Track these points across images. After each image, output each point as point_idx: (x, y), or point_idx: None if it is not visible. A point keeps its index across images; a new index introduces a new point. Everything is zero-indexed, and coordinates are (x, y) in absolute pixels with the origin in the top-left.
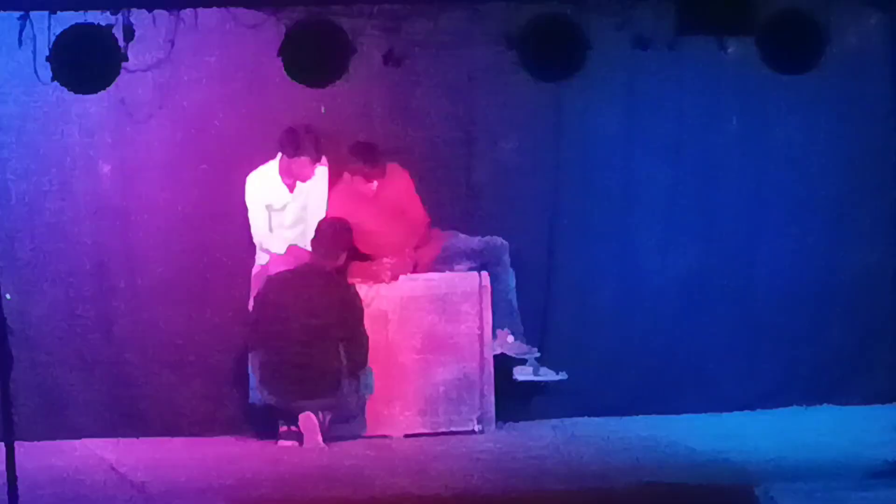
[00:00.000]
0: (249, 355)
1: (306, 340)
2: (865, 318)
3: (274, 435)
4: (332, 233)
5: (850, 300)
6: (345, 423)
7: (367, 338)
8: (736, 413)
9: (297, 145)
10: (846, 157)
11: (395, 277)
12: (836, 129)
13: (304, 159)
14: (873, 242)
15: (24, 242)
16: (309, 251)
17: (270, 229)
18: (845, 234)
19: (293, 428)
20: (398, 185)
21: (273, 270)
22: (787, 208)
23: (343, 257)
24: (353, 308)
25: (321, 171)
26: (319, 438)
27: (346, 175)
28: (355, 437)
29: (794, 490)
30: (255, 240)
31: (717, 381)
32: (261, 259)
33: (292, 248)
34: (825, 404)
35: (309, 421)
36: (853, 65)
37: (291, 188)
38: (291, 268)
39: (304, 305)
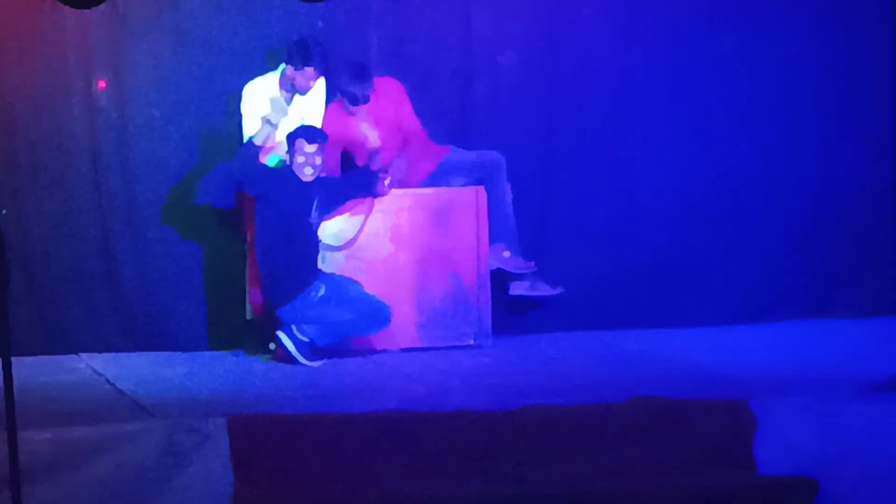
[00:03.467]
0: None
1: (280, 244)
2: (862, 231)
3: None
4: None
5: (847, 214)
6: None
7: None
8: (731, 327)
9: (307, 56)
10: (842, 70)
11: (389, 189)
12: (832, 42)
13: (310, 70)
14: (870, 155)
15: (22, 157)
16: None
17: (264, 142)
18: (842, 148)
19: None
20: (391, 98)
21: None
22: (780, 122)
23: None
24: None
25: (319, 86)
26: (298, 355)
27: (339, 95)
28: (351, 352)
29: (789, 404)
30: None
31: (712, 295)
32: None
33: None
34: (821, 318)
35: (283, 338)
36: None
37: (289, 101)
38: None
39: (281, 211)
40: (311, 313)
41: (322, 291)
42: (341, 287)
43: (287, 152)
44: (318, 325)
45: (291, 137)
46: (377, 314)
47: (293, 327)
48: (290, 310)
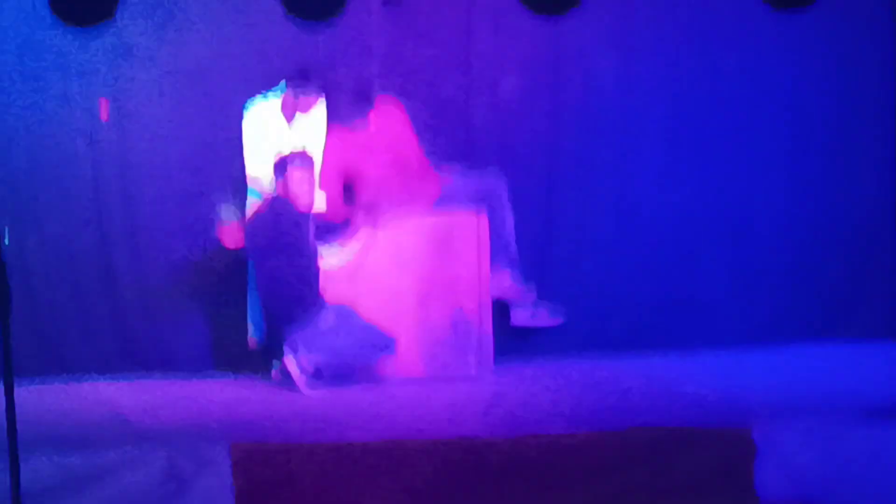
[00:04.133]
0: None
1: (280, 276)
2: (864, 253)
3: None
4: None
5: (849, 236)
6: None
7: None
8: (733, 350)
9: (307, 80)
10: (844, 93)
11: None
12: (834, 65)
13: (312, 98)
14: (871, 178)
15: (23, 180)
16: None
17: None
18: (844, 170)
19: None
20: (392, 123)
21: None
22: (785, 144)
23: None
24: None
25: (320, 110)
26: (301, 383)
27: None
28: (354, 381)
29: (790, 428)
30: (248, 170)
31: (714, 317)
32: (252, 201)
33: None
34: (824, 340)
35: (289, 365)
36: (852, 1)
37: (290, 121)
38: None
39: (266, 241)
40: (320, 342)
41: (331, 320)
42: (348, 316)
43: (276, 180)
44: (325, 354)
45: (280, 166)
46: (382, 344)
47: (300, 355)
48: (298, 338)
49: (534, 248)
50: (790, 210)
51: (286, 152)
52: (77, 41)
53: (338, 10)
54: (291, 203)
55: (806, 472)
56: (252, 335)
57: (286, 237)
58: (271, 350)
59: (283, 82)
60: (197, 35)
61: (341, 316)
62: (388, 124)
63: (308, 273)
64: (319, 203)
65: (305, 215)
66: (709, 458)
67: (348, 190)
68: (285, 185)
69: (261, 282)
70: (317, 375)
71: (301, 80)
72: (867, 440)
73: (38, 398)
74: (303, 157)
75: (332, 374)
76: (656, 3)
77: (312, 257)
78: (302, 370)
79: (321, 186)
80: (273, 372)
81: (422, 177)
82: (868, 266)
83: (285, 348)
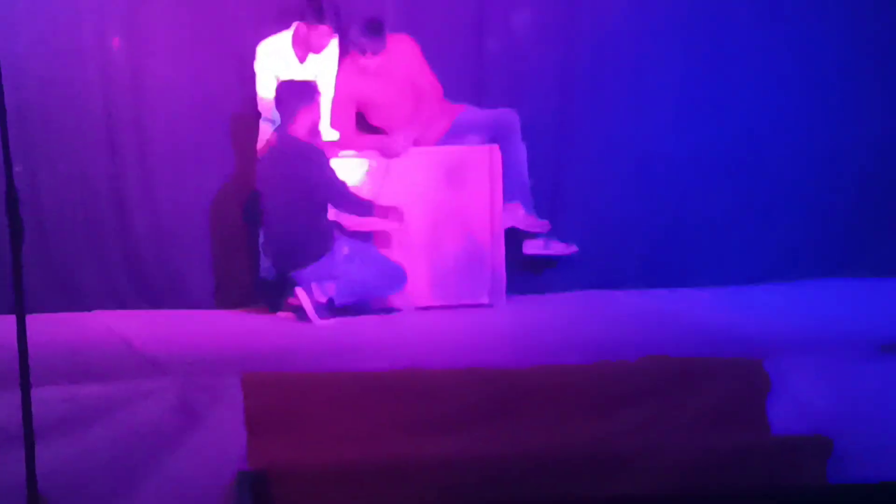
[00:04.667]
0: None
1: (289, 211)
2: (876, 190)
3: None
4: (294, 92)
5: (861, 173)
6: (379, 296)
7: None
8: (746, 286)
9: (321, 13)
10: (858, 31)
11: (405, 150)
12: (846, 6)
13: (325, 28)
14: (883, 115)
15: (35, 114)
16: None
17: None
18: (858, 106)
19: (293, 301)
20: (405, 55)
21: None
22: (798, 81)
23: (297, 119)
24: (319, 175)
25: (333, 44)
26: (311, 311)
27: (351, 50)
28: (365, 310)
29: (803, 363)
30: (260, 108)
31: (727, 253)
32: (264, 129)
33: (303, 114)
34: (837, 277)
35: (299, 296)
36: None
37: (302, 59)
38: (273, 145)
39: (281, 181)
40: (336, 272)
41: (346, 251)
42: (363, 248)
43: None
44: (340, 284)
45: (281, 98)
46: (396, 276)
47: (313, 285)
48: (314, 268)
49: (546, 182)
50: (804, 146)
51: (285, 84)
52: None
53: None
54: (298, 136)
55: (818, 406)
56: (262, 271)
57: (295, 171)
58: (281, 286)
59: (295, 22)
60: None
61: (355, 248)
62: (401, 57)
63: (319, 207)
64: (331, 133)
65: (314, 148)
66: (721, 389)
67: (361, 119)
68: (290, 118)
69: (271, 217)
70: (329, 306)
71: (314, 16)
72: (880, 375)
73: (50, 329)
74: (303, 89)
75: (344, 304)
76: None
77: (324, 191)
78: (314, 301)
79: (334, 117)
80: (284, 306)
81: (436, 108)
82: (882, 202)
83: (296, 280)
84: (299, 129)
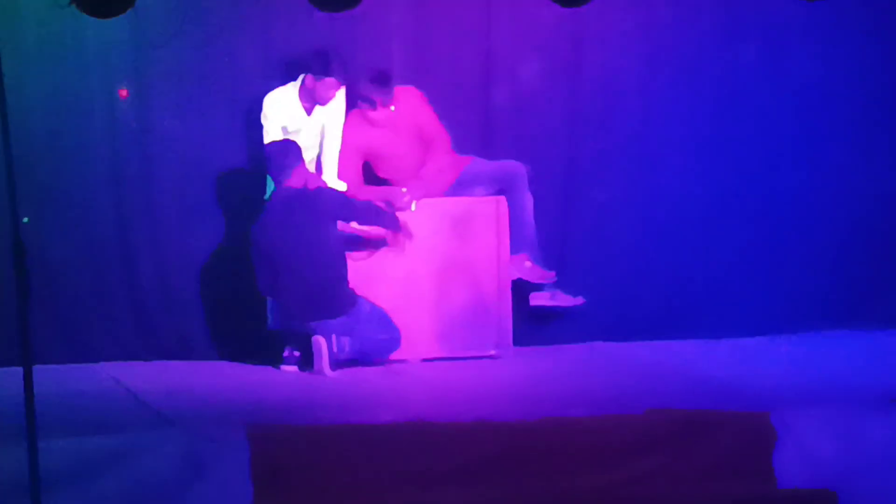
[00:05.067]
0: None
1: (304, 263)
2: (885, 242)
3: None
4: (279, 150)
5: (870, 225)
6: (379, 356)
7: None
8: (753, 338)
9: (327, 66)
10: (866, 82)
11: (410, 204)
12: (856, 54)
13: (331, 80)
14: (890, 166)
15: (43, 167)
16: (317, 175)
17: None
18: (865, 158)
19: (295, 353)
20: (413, 106)
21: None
22: (806, 134)
23: (293, 174)
24: (332, 206)
25: (339, 95)
26: (326, 363)
27: (360, 102)
28: (369, 363)
29: (810, 416)
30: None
31: (734, 306)
32: (272, 183)
33: (298, 170)
34: (844, 329)
35: (317, 344)
36: None
37: (309, 111)
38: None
39: (289, 231)
40: (356, 328)
41: (367, 308)
42: (376, 308)
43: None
44: (353, 340)
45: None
46: (396, 336)
47: (333, 338)
48: (340, 321)
49: (553, 234)
50: (812, 198)
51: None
52: (96, 30)
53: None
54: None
55: (825, 460)
56: (272, 322)
57: (306, 217)
58: (288, 338)
59: (302, 74)
60: (217, 23)
61: (372, 306)
62: (408, 108)
63: (339, 256)
64: (338, 185)
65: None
66: (727, 442)
67: (369, 171)
68: (286, 175)
69: (287, 266)
70: (338, 359)
71: (320, 68)
72: (888, 429)
73: (56, 381)
74: (288, 146)
75: (348, 359)
76: None
77: (335, 244)
78: (331, 354)
79: (341, 168)
80: (286, 357)
81: (444, 158)
82: (889, 255)
83: (316, 330)
84: (296, 183)
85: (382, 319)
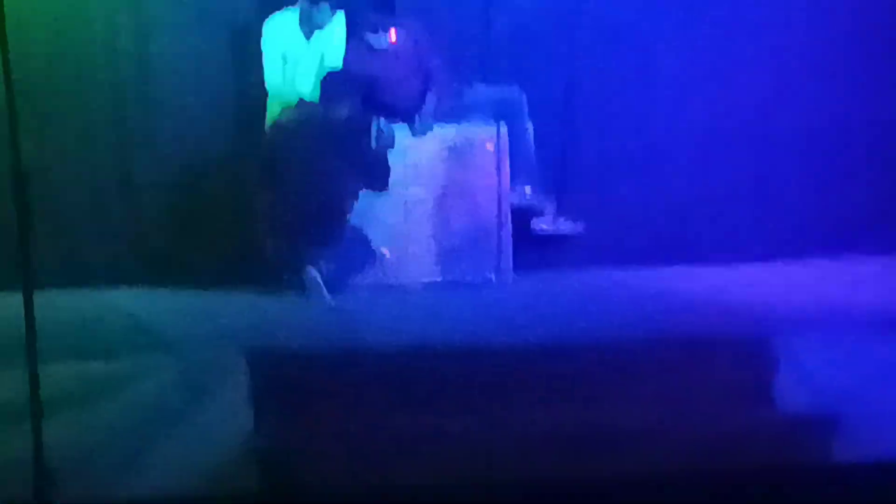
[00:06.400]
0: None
1: (313, 186)
2: (888, 169)
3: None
4: (339, 80)
5: (873, 151)
6: (356, 272)
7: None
8: (756, 264)
9: None
10: (866, 12)
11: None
12: None
13: (325, 5)
14: (893, 91)
15: (44, 89)
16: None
17: (283, 80)
18: (867, 86)
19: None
20: (412, 37)
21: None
22: (808, 58)
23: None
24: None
25: (339, 22)
26: (324, 289)
27: (361, 26)
28: (372, 286)
29: (815, 340)
30: (268, 87)
31: (735, 231)
32: (272, 109)
33: (302, 101)
34: (847, 255)
35: (311, 274)
36: None
37: (308, 36)
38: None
39: (310, 150)
40: (341, 254)
41: (351, 234)
42: (359, 231)
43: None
44: (338, 264)
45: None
46: (371, 249)
47: (321, 264)
48: (330, 249)
49: (553, 160)
50: (813, 125)
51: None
52: None
53: None
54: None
55: (827, 383)
56: (271, 248)
57: (320, 147)
58: (290, 262)
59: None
60: None
61: (356, 231)
62: (409, 38)
63: (347, 186)
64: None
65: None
66: (728, 367)
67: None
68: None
69: (287, 191)
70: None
71: None
72: (889, 353)
73: (57, 306)
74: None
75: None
76: None
77: (345, 171)
78: (324, 279)
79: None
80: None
81: (445, 88)
82: (891, 180)
83: (310, 258)
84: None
85: (358, 235)
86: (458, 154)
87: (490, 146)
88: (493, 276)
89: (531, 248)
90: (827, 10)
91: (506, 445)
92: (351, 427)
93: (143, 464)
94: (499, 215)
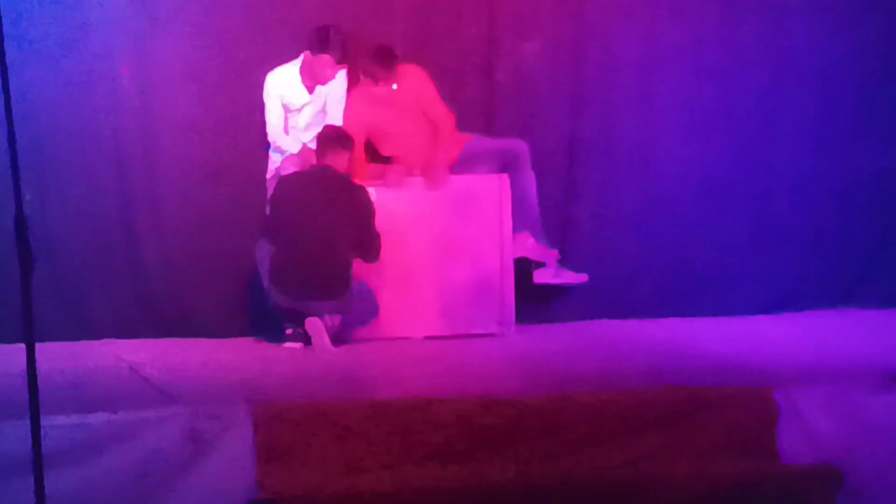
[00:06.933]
0: (263, 255)
1: (316, 241)
2: (885, 221)
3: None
4: (335, 136)
5: (870, 203)
6: (360, 325)
7: (379, 237)
8: (756, 316)
9: (325, 43)
10: (867, 60)
11: (398, 184)
12: (857, 34)
13: (327, 58)
14: (894, 145)
15: (46, 143)
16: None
17: (286, 130)
18: (865, 138)
19: (299, 330)
20: (415, 84)
21: (285, 170)
22: (807, 112)
23: (345, 161)
24: (363, 209)
25: (341, 75)
26: (327, 341)
27: (362, 78)
28: (374, 339)
29: (812, 393)
30: (270, 138)
31: (736, 284)
32: (274, 159)
33: (305, 149)
34: (844, 308)
35: (314, 326)
36: None
37: (311, 90)
38: (304, 170)
39: (315, 206)
40: (347, 307)
41: (356, 287)
42: (358, 281)
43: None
44: (344, 316)
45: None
46: (377, 305)
47: (325, 317)
48: (335, 303)
49: (556, 212)
50: (812, 177)
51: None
52: (99, 7)
53: None
54: (331, 171)
55: (827, 436)
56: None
57: (335, 200)
58: (288, 315)
59: (303, 53)
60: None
61: (361, 285)
62: (411, 86)
63: (348, 240)
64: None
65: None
66: (731, 420)
67: (371, 149)
68: (324, 159)
69: (288, 242)
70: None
71: (318, 45)
72: (889, 406)
73: (59, 358)
74: (341, 137)
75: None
76: None
77: (364, 226)
78: (328, 331)
79: None
80: (287, 333)
81: (450, 134)
82: (890, 234)
83: (311, 310)
84: (340, 168)
85: (363, 290)
86: (460, 205)
87: (493, 197)
88: (495, 329)
89: (534, 302)
90: (825, 68)
91: (510, 497)
92: (354, 480)
93: None
94: (501, 267)
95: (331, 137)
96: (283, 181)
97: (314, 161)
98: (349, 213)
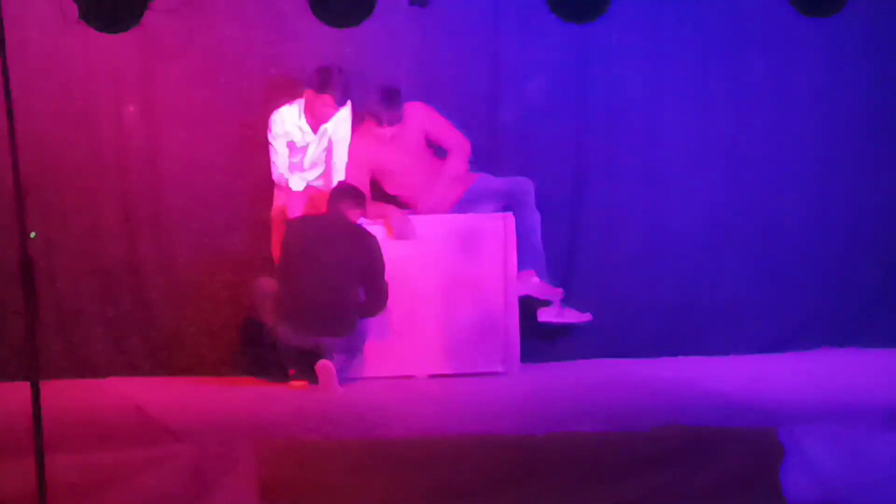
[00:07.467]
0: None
1: (328, 282)
2: (892, 259)
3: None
4: (352, 193)
5: (876, 243)
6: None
7: (387, 286)
8: (760, 355)
9: (327, 83)
10: (871, 98)
11: (407, 235)
12: (861, 70)
13: (329, 98)
14: None
15: (50, 182)
16: (324, 191)
17: (290, 169)
18: (871, 176)
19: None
20: (420, 122)
21: (291, 209)
22: (812, 150)
23: (357, 218)
24: (374, 261)
25: (345, 114)
26: (335, 383)
27: (367, 118)
28: (378, 378)
29: (818, 431)
30: (275, 176)
31: (741, 323)
32: (279, 198)
33: (310, 188)
34: (850, 347)
35: (325, 369)
36: (879, 7)
37: (315, 129)
38: (312, 210)
39: (327, 248)
40: (353, 347)
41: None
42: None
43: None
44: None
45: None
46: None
47: (334, 356)
48: (344, 340)
49: (560, 251)
50: (817, 217)
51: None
52: (105, 43)
53: (367, 14)
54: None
55: (832, 476)
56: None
57: (346, 245)
58: (295, 351)
59: (306, 91)
60: (225, 36)
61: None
62: (415, 125)
63: (356, 285)
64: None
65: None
66: (735, 459)
67: (376, 187)
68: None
69: (298, 281)
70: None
71: (319, 85)
72: (893, 446)
73: (64, 396)
74: (357, 195)
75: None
76: (683, 9)
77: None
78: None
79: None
80: (290, 373)
81: (464, 164)
82: (895, 273)
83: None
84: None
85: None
86: (465, 243)
87: (498, 236)
88: (500, 368)
89: (538, 340)
90: (831, 104)
91: None
92: None
93: None
94: (505, 305)
95: (347, 193)
96: (296, 224)
97: (318, 198)
98: (360, 262)
